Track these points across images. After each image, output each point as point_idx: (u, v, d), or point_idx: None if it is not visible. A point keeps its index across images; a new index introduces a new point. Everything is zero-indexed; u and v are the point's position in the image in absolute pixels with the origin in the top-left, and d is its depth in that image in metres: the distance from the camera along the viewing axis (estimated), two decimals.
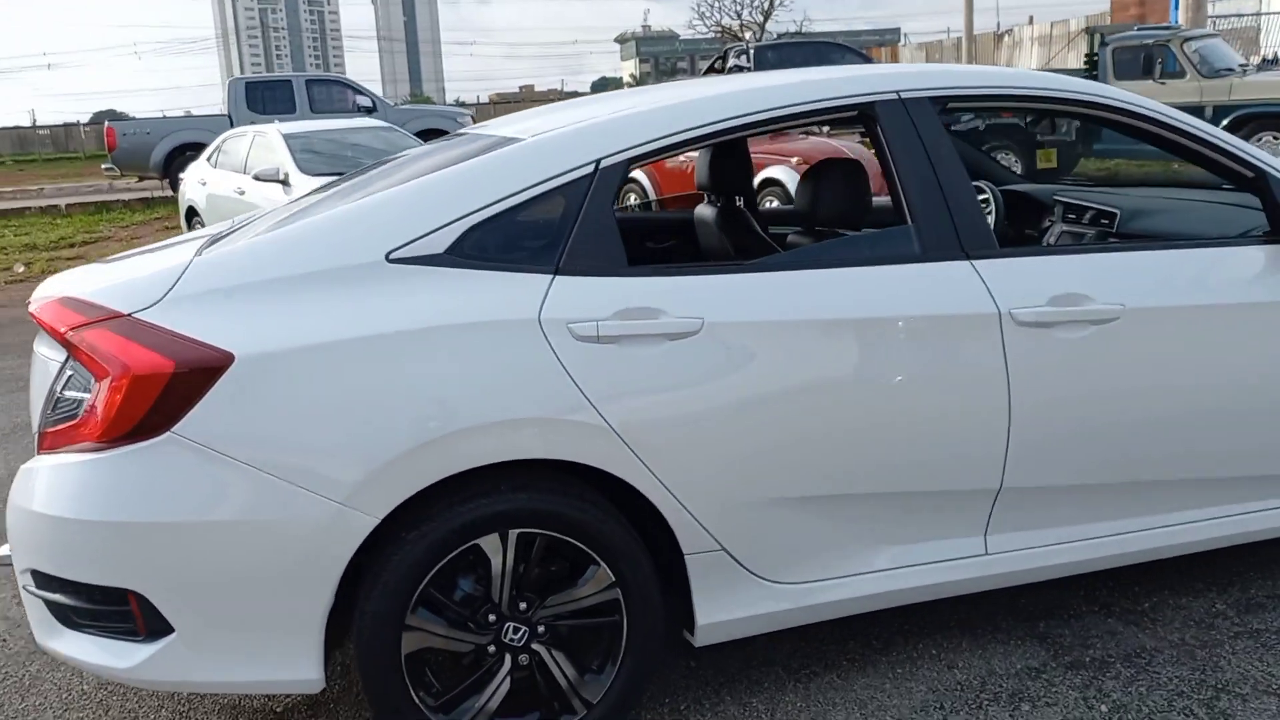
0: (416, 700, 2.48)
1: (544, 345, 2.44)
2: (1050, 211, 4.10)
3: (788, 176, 11.61)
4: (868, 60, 20.26)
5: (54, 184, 26.55)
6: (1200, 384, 2.91)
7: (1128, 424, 2.86)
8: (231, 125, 16.18)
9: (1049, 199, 4.12)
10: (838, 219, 3.15)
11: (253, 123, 15.80)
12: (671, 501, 2.55)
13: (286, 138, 10.63)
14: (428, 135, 18.12)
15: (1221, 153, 3.05)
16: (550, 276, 2.51)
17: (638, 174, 13.41)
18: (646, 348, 2.51)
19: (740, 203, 3.76)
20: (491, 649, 2.52)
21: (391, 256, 2.47)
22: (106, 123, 18.68)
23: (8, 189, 25.16)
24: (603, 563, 2.54)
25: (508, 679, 2.53)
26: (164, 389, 2.27)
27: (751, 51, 19.33)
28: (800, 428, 2.62)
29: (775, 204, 11.90)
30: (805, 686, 2.90)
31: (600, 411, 2.45)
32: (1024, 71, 3.11)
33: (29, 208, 18.79)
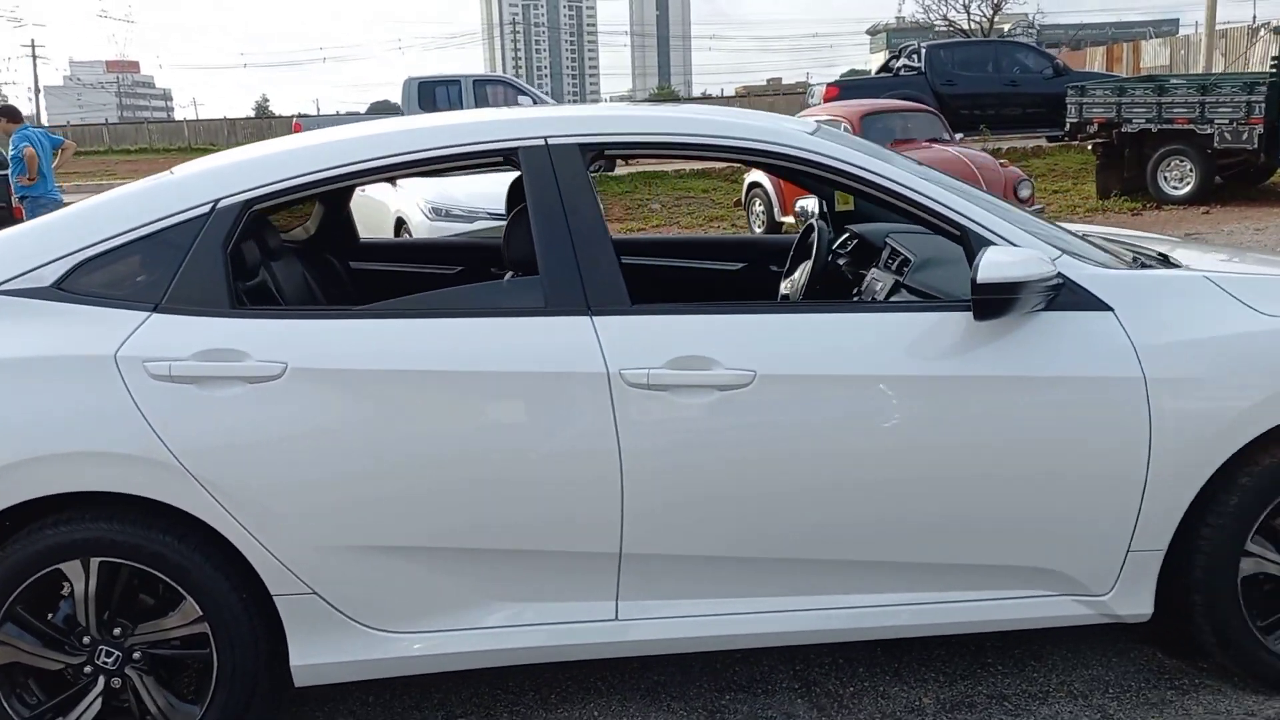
0: (10, 710, 2.65)
1: (118, 382, 2.55)
2: (878, 255, 3.83)
3: None
4: (1052, 62, 19.07)
5: None
6: (845, 462, 2.67)
7: (761, 497, 2.68)
8: None
9: (881, 240, 3.84)
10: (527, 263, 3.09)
11: None
12: (252, 542, 2.60)
13: None
14: None
15: (924, 210, 2.79)
16: (147, 314, 2.62)
17: (765, 184, 13.17)
18: (225, 389, 2.57)
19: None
20: (87, 670, 2.66)
21: (2, 289, 2.64)
22: (295, 119, 20.15)
23: None
24: (189, 597, 2.63)
25: (99, 700, 2.67)
26: None
27: (923, 51, 18.64)
28: (391, 478, 2.61)
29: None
30: None
31: (172, 450, 2.54)
32: (697, 117, 2.92)
33: None
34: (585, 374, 2.62)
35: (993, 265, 2.56)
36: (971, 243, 2.74)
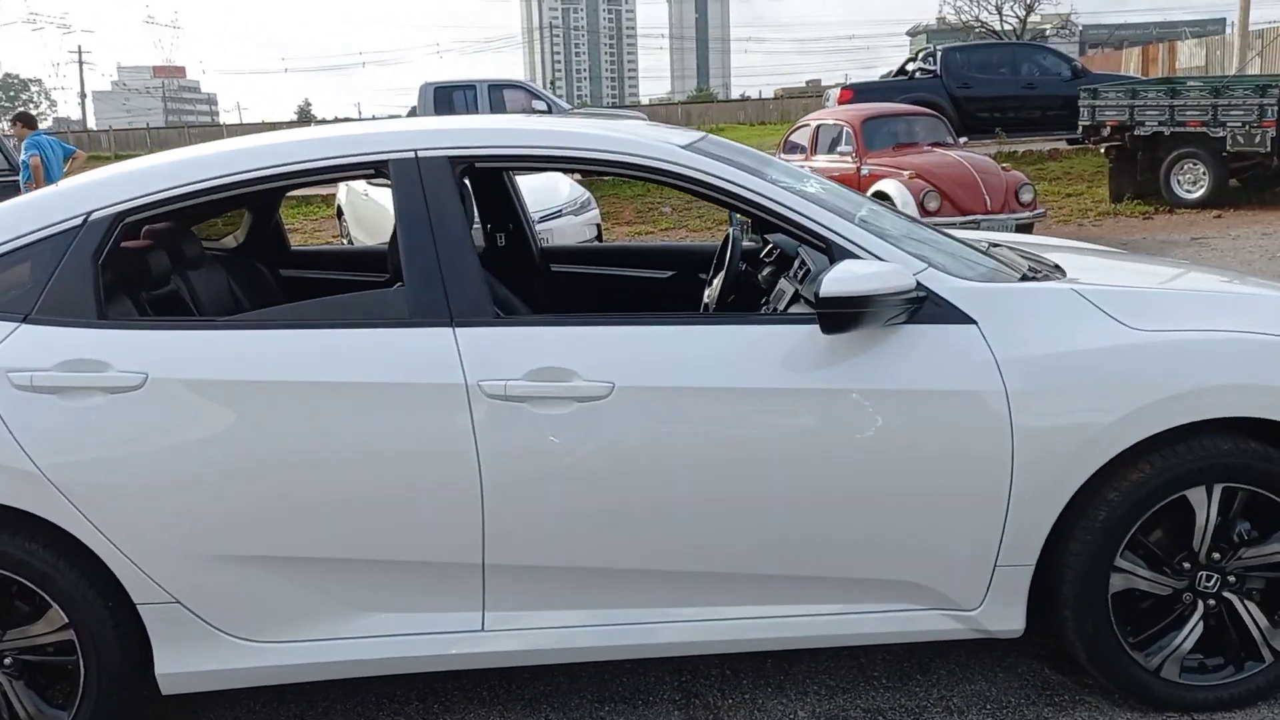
0: None
1: None
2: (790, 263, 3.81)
3: (897, 191, 11.09)
4: (1070, 63, 18.84)
5: None
6: (705, 473, 2.67)
7: (621, 509, 2.68)
8: None
9: (794, 250, 3.82)
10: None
11: None
12: (114, 552, 2.65)
13: None
14: None
15: (791, 223, 2.78)
16: (16, 325, 2.67)
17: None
18: (85, 400, 2.62)
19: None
20: None
21: None
22: (317, 123, 20.35)
23: None
24: (55, 604, 2.68)
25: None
26: None
27: (938, 54, 18.50)
28: (250, 490, 2.65)
29: None
30: None
31: (34, 459, 2.59)
32: (568, 130, 2.92)
33: None
34: (444, 385, 2.64)
35: (836, 279, 2.55)
36: (835, 255, 2.73)
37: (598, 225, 10.80)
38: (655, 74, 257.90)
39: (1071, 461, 2.66)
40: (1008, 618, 2.79)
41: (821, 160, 12.51)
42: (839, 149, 12.27)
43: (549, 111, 18.38)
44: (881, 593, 2.79)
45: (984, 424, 2.65)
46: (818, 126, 12.91)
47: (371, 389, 2.64)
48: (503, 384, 2.63)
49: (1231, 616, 2.82)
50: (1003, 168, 11.85)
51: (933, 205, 11.00)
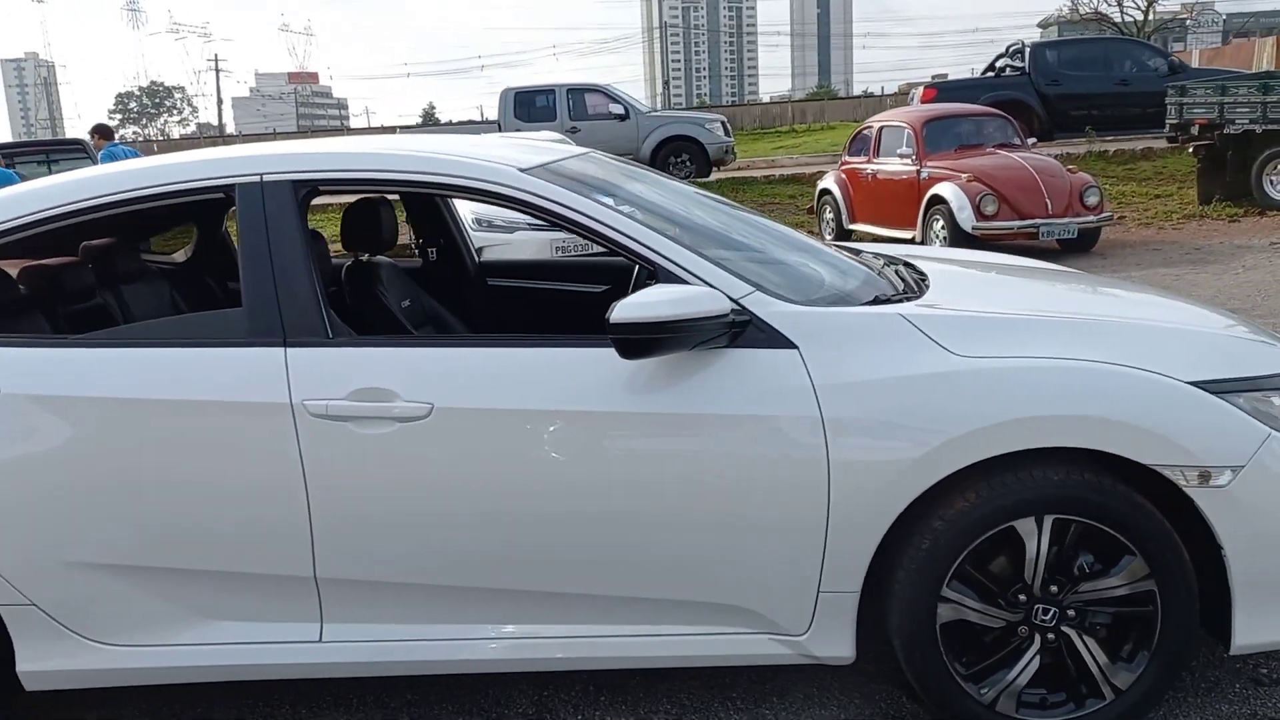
0: None
1: None
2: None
3: (953, 195, 10.85)
4: (1168, 59, 18.07)
5: None
6: (520, 494, 2.71)
7: (443, 528, 2.75)
8: (500, 133, 17.48)
9: None
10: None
11: (518, 129, 17.05)
12: None
13: None
14: (674, 142, 18.60)
15: (622, 247, 2.79)
16: None
17: (834, 191, 12.99)
18: None
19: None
20: None
21: None
22: (398, 133, 20.87)
23: None
24: None
25: None
26: None
27: (1028, 50, 17.97)
28: (91, 500, 2.79)
29: (940, 224, 11.15)
30: None
31: None
32: (401, 153, 2.96)
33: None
34: (271, 404, 2.74)
35: (626, 305, 2.55)
36: (659, 277, 2.74)
37: None
38: (775, 71, 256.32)
39: (889, 488, 2.61)
40: (836, 644, 2.76)
41: (883, 163, 12.32)
42: (899, 151, 12.04)
43: (626, 115, 18.52)
44: (711, 616, 2.79)
45: (800, 450, 2.62)
46: (881, 128, 12.70)
47: (205, 406, 2.76)
48: (325, 404, 2.72)
49: (1071, 652, 2.72)
50: (1068, 169, 11.49)
51: (990, 209, 10.74)
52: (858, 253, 3.87)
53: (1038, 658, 2.72)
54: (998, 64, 18.57)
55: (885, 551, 2.70)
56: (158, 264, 4.30)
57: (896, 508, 2.62)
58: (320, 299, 2.83)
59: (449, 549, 2.77)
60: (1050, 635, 2.72)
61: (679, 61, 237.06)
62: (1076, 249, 11.16)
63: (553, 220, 2.86)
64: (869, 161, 12.64)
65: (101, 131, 11.72)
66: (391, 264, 3.86)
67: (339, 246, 3.75)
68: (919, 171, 11.68)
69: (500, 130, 17.97)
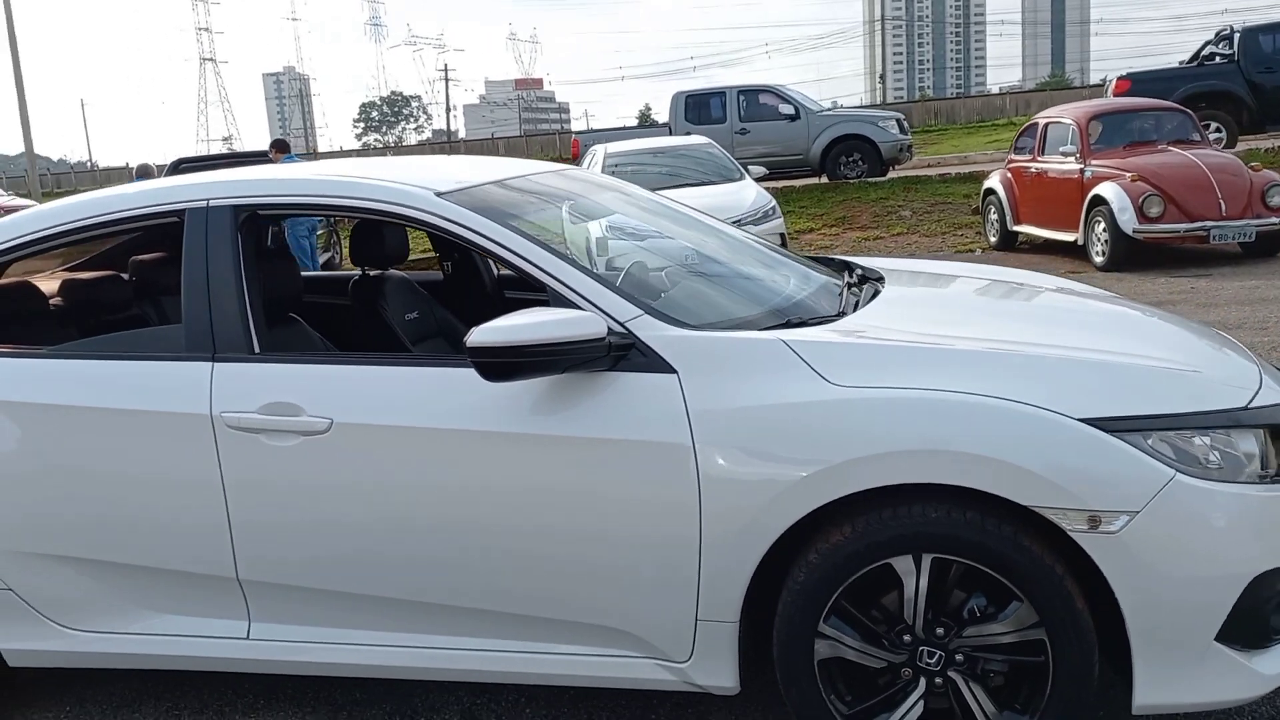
0: None
1: None
2: None
3: (1114, 195, 10.21)
4: None
5: None
6: (410, 509, 2.79)
7: (341, 538, 2.87)
8: (670, 135, 17.62)
9: None
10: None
11: (688, 133, 17.17)
12: None
13: (606, 157, 11.69)
14: (845, 141, 18.21)
15: (523, 272, 2.82)
16: None
17: (999, 191, 12.44)
18: None
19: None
20: None
21: None
22: (574, 136, 21.32)
23: None
24: None
25: None
26: None
27: (1237, 36, 16.60)
28: (48, 498, 3.07)
29: (1101, 227, 10.47)
30: None
31: None
32: (324, 178, 3.09)
33: None
34: (194, 415, 2.93)
35: (485, 329, 2.57)
36: (552, 302, 2.76)
37: (782, 235, 10.72)
38: (1005, 61, 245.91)
39: (760, 518, 2.54)
40: (718, 674, 2.70)
41: (1047, 161, 11.70)
42: (1062, 149, 11.40)
43: (796, 115, 18.27)
44: (601, 638, 2.79)
45: (671, 477, 2.59)
46: (1046, 124, 12.07)
47: (139, 416, 2.98)
48: (239, 416, 2.89)
49: (958, 698, 2.57)
50: (1251, 167, 10.59)
51: (1154, 211, 10.06)
52: (848, 267, 3.76)
53: (922, 702, 2.59)
54: (1204, 51, 17.25)
55: (765, 585, 2.63)
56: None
57: (768, 538, 2.55)
58: (248, 316, 3.01)
59: (351, 558, 2.89)
60: (937, 680, 2.57)
61: (900, 54, 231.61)
62: (1258, 253, 10.29)
63: (462, 243, 2.93)
64: (1033, 160, 12.04)
65: (279, 146, 12.59)
66: (402, 277, 4.02)
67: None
68: (1083, 170, 11.04)
69: (670, 133, 18.11)
